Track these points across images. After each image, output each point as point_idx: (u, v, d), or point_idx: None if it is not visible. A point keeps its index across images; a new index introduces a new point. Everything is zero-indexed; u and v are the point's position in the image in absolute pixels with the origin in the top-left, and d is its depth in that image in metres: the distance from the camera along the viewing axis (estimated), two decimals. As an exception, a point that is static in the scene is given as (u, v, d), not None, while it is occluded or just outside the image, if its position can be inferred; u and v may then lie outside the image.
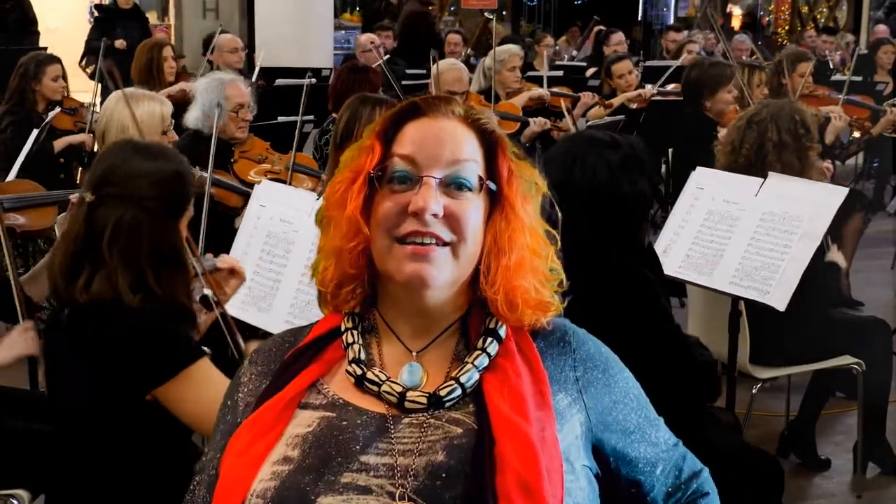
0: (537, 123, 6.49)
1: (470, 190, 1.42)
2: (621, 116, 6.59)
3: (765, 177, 3.62)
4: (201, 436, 2.45)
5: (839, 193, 3.50)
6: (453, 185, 1.41)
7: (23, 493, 2.77)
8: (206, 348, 2.44)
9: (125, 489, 2.36)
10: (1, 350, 3.00)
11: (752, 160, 3.84)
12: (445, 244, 1.40)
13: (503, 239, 1.43)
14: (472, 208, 1.42)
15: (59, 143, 5.65)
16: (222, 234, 3.83)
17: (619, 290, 2.67)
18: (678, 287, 3.91)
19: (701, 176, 3.79)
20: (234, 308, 3.11)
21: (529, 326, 1.47)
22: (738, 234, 3.52)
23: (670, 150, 6.10)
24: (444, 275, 1.41)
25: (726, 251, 3.53)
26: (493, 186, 1.44)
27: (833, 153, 5.94)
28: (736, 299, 3.55)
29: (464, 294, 1.47)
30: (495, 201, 1.45)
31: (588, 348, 1.52)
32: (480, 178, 1.43)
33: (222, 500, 1.37)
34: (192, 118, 4.54)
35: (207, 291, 2.61)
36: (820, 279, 3.62)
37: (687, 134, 5.37)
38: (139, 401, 2.31)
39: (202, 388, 2.28)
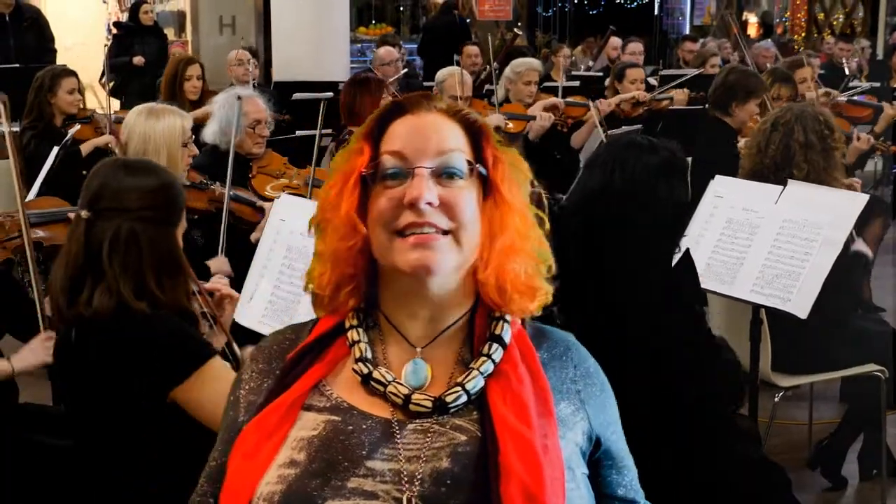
0: (543, 118, 6.50)
1: (461, 178, 1.44)
2: (639, 126, 6.57)
3: (791, 178, 3.61)
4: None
5: (859, 200, 3.50)
6: (444, 175, 1.43)
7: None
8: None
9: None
10: (22, 357, 3.03)
11: (779, 161, 3.86)
12: (446, 232, 1.41)
13: (495, 222, 1.45)
14: (466, 195, 1.44)
15: (86, 147, 5.77)
16: (239, 248, 3.86)
17: (653, 294, 2.69)
18: (699, 296, 3.91)
19: (720, 184, 3.79)
20: (254, 322, 3.12)
21: (519, 314, 1.49)
22: (759, 242, 3.52)
23: (689, 159, 6.05)
24: (448, 260, 1.42)
25: (747, 259, 3.52)
26: (483, 171, 1.46)
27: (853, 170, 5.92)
28: (757, 307, 3.54)
29: (468, 286, 1.48)
30: (486, 187, 1.47)
31: (588, 366, 1.55)
32: (470, 163, 1.45)
33: (228, 503, 1.39)
34: (210, 133, 4.56)
35: (205, 309, 2.65)
36: (842, 285, 3.60)
37: (705, 141, 5.34)
38: (160, 406, 2.33)
39: (218, 385, 2.28)
